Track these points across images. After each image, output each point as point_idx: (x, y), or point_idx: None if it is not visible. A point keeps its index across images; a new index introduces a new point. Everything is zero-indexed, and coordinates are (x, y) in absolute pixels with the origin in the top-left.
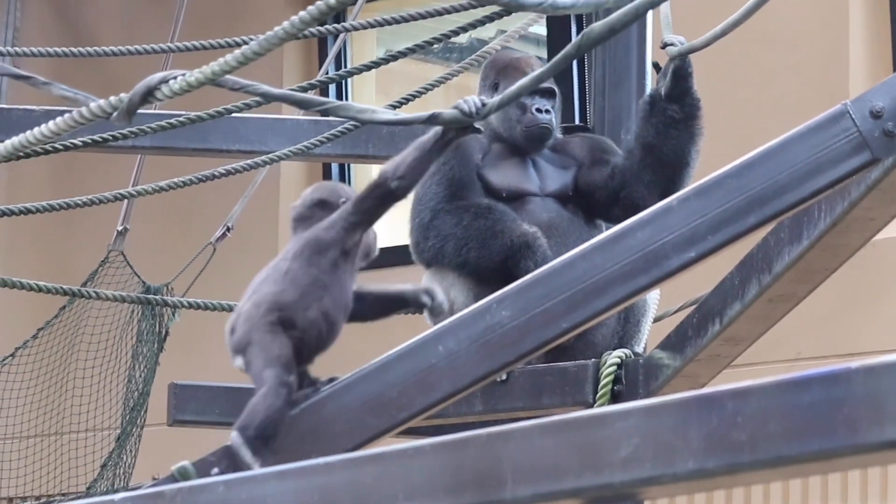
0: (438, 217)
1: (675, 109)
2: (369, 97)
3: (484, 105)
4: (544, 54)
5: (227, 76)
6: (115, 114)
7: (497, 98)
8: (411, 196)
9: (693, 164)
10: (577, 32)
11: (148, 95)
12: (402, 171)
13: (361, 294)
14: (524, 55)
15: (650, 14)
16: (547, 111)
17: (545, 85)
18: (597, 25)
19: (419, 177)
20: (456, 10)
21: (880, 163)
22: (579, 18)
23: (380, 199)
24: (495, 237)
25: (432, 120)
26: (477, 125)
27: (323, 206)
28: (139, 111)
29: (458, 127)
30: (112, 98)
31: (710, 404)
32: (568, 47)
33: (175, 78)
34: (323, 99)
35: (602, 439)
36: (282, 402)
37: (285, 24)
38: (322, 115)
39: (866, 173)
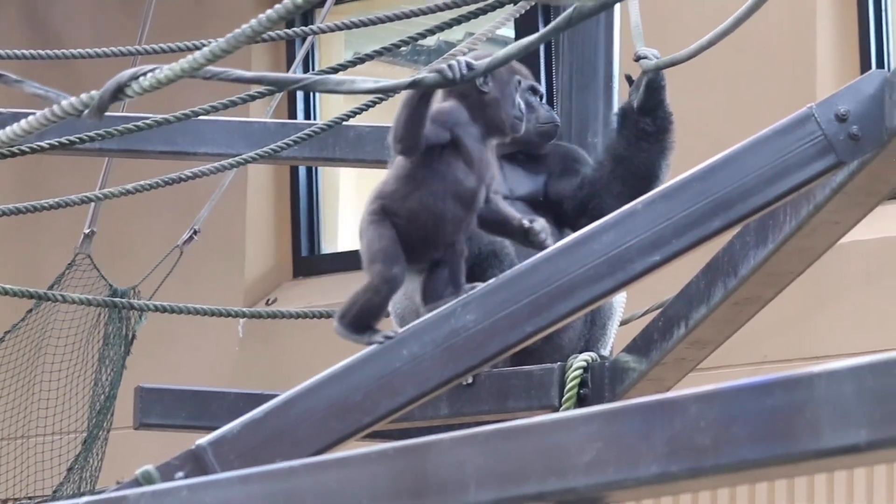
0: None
1: (648, 122)
2: (337, 100)
3: (471, 69)
4: None
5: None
6: (86, 111)
7: (485, 61)
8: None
9: (663, 178)
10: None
11: (118, 92)
12: (399, 134)
13: (488, 205)
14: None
15: (618, 18)
16: (549, 109)
17: (536, 84)
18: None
19: (414, 132)
20: (424, 12)
21: (845, 166)
22: (547, 22)
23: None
24: None
25: (415, 86)
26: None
27: None
28: (107, 113)
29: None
30: (83, 95)
31: (673, 409)
32: (559, 19)
33: (145, 74)
34: (299, 76)
35: (566, 444)
36: (380, 299)
37: (252, 21)
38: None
39: (831, 177)
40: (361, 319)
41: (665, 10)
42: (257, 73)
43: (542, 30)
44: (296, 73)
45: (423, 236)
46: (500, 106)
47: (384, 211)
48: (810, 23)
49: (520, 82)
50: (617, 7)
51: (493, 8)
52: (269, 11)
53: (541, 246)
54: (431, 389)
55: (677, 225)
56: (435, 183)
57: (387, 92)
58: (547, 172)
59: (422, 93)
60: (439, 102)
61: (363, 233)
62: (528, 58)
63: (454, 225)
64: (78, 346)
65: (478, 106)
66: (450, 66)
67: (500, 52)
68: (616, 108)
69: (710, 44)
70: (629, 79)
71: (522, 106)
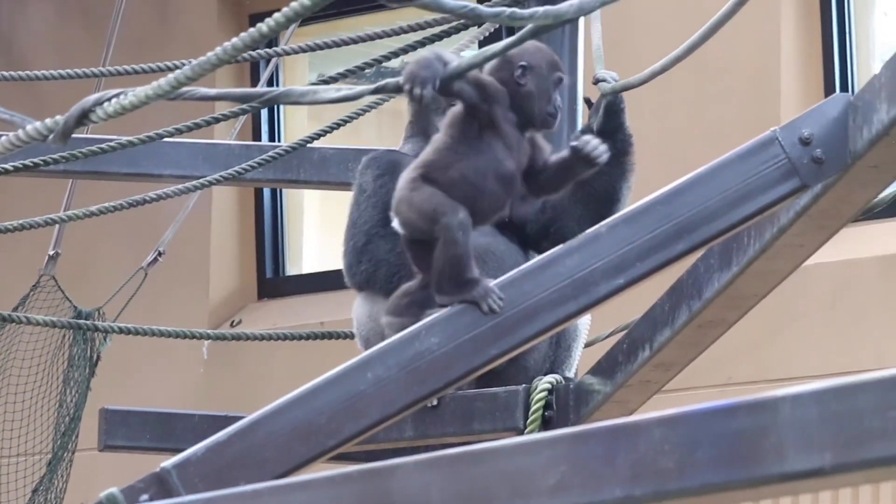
0: (373, 241)
1: (608, 145)
2: (301, 122)
3: (446, 64)
4: None
5: (187, 87)
6: (50, 136)
7: (466, 61)
8: (345, 219)
9: (624, 200)
10: None
11: (83, 117)
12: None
13: (545, 167)
14: None
15: (582, 42)
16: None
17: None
18: (563, 6)
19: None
20: (388, 34)
21: (809, 189)
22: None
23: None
24: None
25: (379, 90)
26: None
27: None
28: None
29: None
30: (48, 120)
31: (638, 432)
32: (523, 31)
33: (109, 100)
34: (263, 90)
35: (530, 467)
36: (462, 247)
37: (218, 49)
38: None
39: (795, 200)
40: (456, 276)
41: (627, 32)
42: (221, 90)
43: (507, 39)
44: None
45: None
46: (534, 100)
47: (424, 178)
48: (774, 46)
49: (560, 80)
50: (581, 30)
51: (457, 30)
52: (234, 40)
53: (596, 160)
54: (396, 412)
55: (641, 248)
56: (475, 158)
57: (350, 100)
58: None
59: None
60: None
61: (409, 202)
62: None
63: (491, 203)
64: (42, 367)
65: (515, 95)
66: (412, 91)
67: (473, 55)
68: None
69: (665, 69)
70: (588, 102)
71: (558, 102)
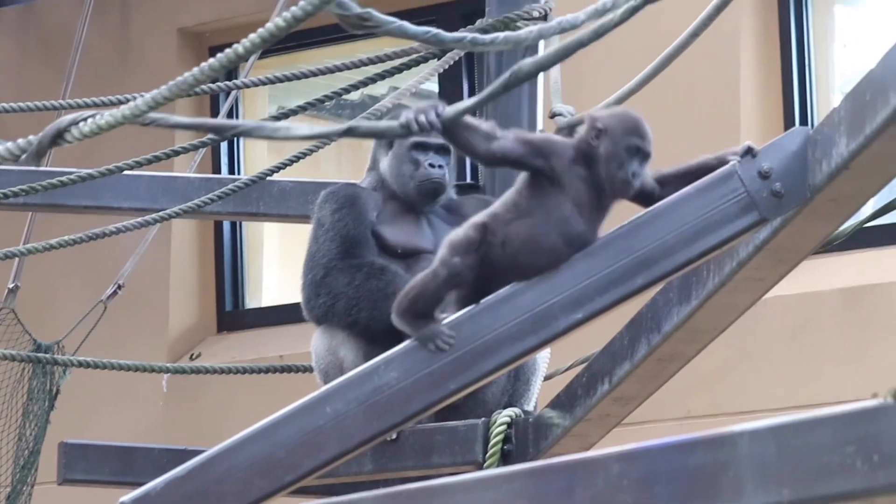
0: (331, 274)
1: None
2: (261, 154)
3: (439, 115)
4: None
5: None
6: (23, 156)
7: (464, 104)
8: (304, 252)
9: None
10: (469, 90)
11: (58, 137)
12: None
13: (664, 179)
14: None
15: (541, 76)
16: (440, 167)
17: (438, 141)
18: (526, 62)
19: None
20: (348, 67)
21: (768, 223)
22: (471, 77)
23: None
24: (386, 299)
25: (350, 132)
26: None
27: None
28: (30, 168)
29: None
30: (20, 140)
31: (596, 467)
32: (496, 84)
33: (85, 120)
34: (236, 122)
35: (489, 502)
36: (437, 283)
37: (178, 79)
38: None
39: (755, 234)
40: (417, 308)
41: (586, 67)
42: (196, 119)
43: (479, 95)
44: None
45: (513, 264)
46: (605, 162)
47: (485, 228)
48: (734, 79)
49: (636, 148)
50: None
51: (416, 63)
52: (194, 70)
53: None
54: (355, 446)
55: (601, 282)
56: (539, 215)
57: (322, 138)
58: None
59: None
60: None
61: (455, 233)
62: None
63: (550, 260)
64: (1, 401)
65: (590, 156)
66: (415, 119)
67: (461, 104)
68: None
69: (619, 101)
70: None
71: (635, 169)
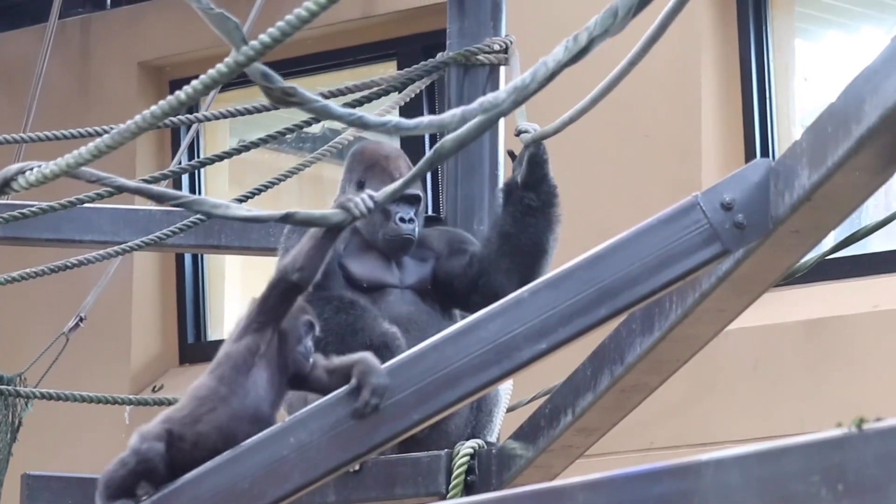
0: None
1: (532, 197)
2: (223, 187)
3: (374, 202)
4: (397, 141)
5: (84, 168)
6: None
7: (383, 192)
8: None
9: (551, 252)
10: None
11: (4, 186)
12: (300, 262)
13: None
14: (393, 154)
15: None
16: (411, 220)
17: (411, 191)
18: (447, 140)
19: (318, 265)
20: None
21: (731, 255)
22: (432, 111)
23: (282, 294)
24: (355, 334)
25: (286, 219)
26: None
27: None
28: None
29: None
30: None
31: (562, 497)
32: (421, 163)
33: (31, 169)
34: (178, 193)
35: None
36: (124, 471)
37: (137, 117)
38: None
39: (717, 265)
40: (107, 488)
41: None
42: (140, 185)
43: (408, 174)
44: (181, 160)
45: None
46: (286, 342)
47: (170, 434)
48: (695, 110)
49: (311, 325)
50: (502, 84)
51: (378, 95)
52: (153, 108)
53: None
54: (318, 477)
55: (563, 313)
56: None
57: (259, 222)
58: (434, 257)
59: (334, 228)
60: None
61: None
62: (414, 145)
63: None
64: None
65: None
66: (354, 204)
67: (393, 185)
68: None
69: (573, 119)
70: (511, 154)
71: (309, 344)
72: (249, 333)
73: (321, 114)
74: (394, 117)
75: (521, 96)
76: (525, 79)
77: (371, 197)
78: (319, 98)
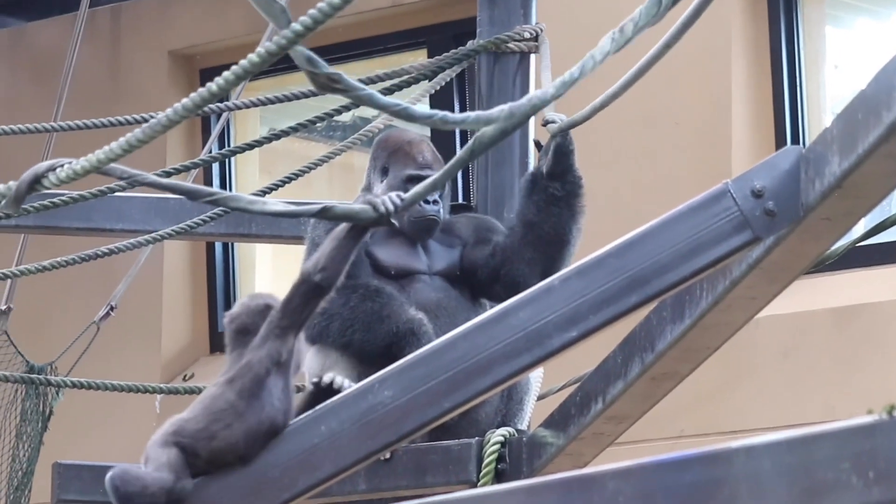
0: None
1: (557, 187)
2: (253, 176)
3: (402, 200)
4: (428, 130)
5: (113, 165)
6: (3, 202)
7: (411, 195)
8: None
9: (574, 242)
10: (460, 111)
11: (35, 183)
12: (322, 263)
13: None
14: (415, 139)
15: (532, 86)
16: (435, 202)
17: (432, 172)
18: (488, 130)
19: (341, 267)
20: None
21: (761, 242)
22: (462, 99)
23: (305, 295)
24: (381, 322)
25: (324, 212)
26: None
27: (267, 312)
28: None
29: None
30: (1, 186)
31: (592, 484)
32: (461, 153)
33: (62, 166)
34: (212, 190)
35: None
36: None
37: (168, 111)
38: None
39: (748, 252)
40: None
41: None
42: (172, 182)
43: (445, 167)
44: (211, 149)
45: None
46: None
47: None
48: (725, 98)
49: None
50: (531, 82)
51: (408, 84)
52: (184, 100)
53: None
54: (349, 465)
55: (594, 301)
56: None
57: (295, 216)
58: (462, 244)
59: (357, 228)
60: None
61: None
62: (444, 135)
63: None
64: None
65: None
66: (382, 201)
67: (420, 186)
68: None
69: (604, 105)
70: (538, 144)
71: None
72: (271, 340)
73: (366, 102)
74: (440, 111)
75: (563, 89)
76: (573, 73)
77: (399, 196)
78: (364, 87)
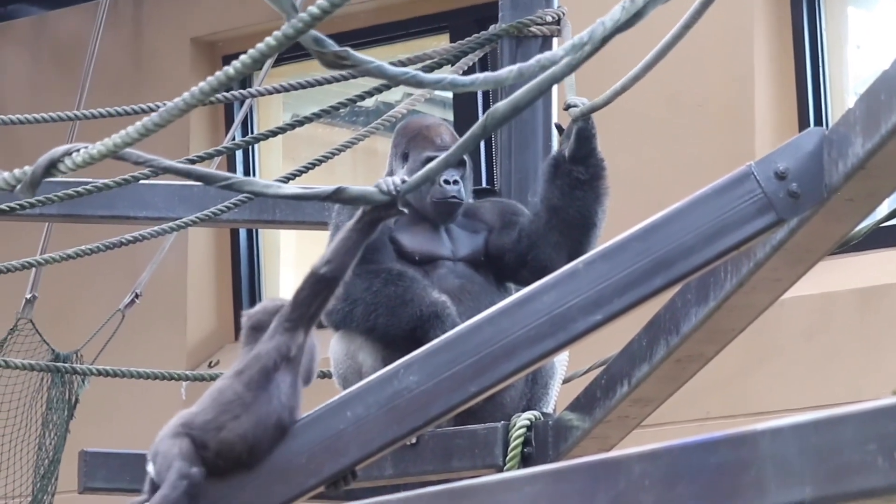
0: (349, 280)
1: (580, 171)
2: (276, 162)
3: (404, 182)
4: (451, 116)
5: (129, 150)
6: (18, 186)
7: (417, 176)
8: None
9: (599, 225)
10: (483, 95)
11: (51, 168)
12: (328, 255)
13: None
14: (434, 122)
15: None
16: (456, 182)
17: None
18: (501, 105)
19: (348, 259)
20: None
21: (785, 224)
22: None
23: (312, 287)
24: (405, 305)
25: (337, 194)
26: (401, 206)
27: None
28: (46, 179)
29: (379, 206)
30: (16, 171)
31: (618, 467)
32: (474, 128)
33: (78, 150)
34: (227, 174)
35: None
36: (178, 494)
37: (185, 94)
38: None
39: (772, 234)
40: None
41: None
42: (187, 167)
43: (459, 142)
44: (234, 137)
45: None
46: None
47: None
48: (748, 80)
49: None
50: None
51: (431, 69)
52: (202, 83)
53: None
54: (375, 451)
55: (618, 284)
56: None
57: (310, 199)
58: (487, 229)
59: (369, 220)
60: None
61: None
62: (467, 118)
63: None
64: (21, 410)
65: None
66: (384, 181)
67: (422, 171)
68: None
69: (625, 88)
70: (559, 128)
71: None
72: (280, 333)
73: (375, 74)
74: (448, 75)
75: (578, 57)
76: (582, 37)
77: (403, 178)
78: (373, 59)
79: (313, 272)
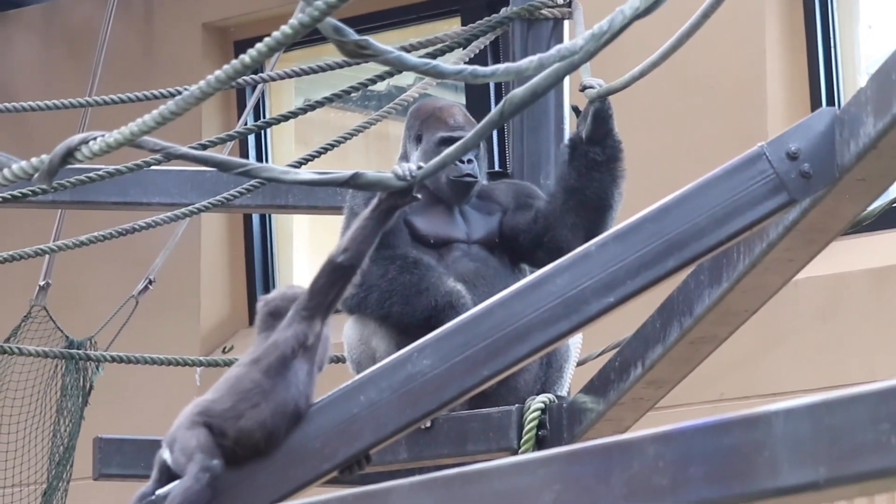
0: (364, 266)
1: (597, 152)
2: (288, 147)
3: (420, 168)
4: (463, 100)
5: (145, 137)
6: (35, 175)
7: (434, 162)
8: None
9: (616, 206)
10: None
11: (68, 156)
12: (345, 244)
13: None
14: (447, 104)
15: None
16: (470, 161)
17: (466, 135)
18: (518, 91)
19: (364, 247)
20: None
21: (797, 204)
22: (497, 64)
23: (329, 275)
24: (420, 294)
25: (354, 179)
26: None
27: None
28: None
29: (394, 192)
30: (33, 160)
31: (632, 449)
32: (491, 114)
33: (95, 139)
34: (244, 161)
35: (525, 487)
36: (201, 486)
37: (202, 83)
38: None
39: (784, 215)
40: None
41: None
42: (203, 154)
43: (475, 129)
44: (247, 121)
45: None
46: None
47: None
48: (760, 61)
49: None
50: (566, 40)
51: (442, 52)
52: (217, 72)
53: None
54: (390, 435)
55: (631, 266)
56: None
57: (327, 185)
58: (502, 211)
59: (385, 207)
60: None
61: None
62: (479, 101)
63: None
64: (35, 397)
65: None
66: (400, 166)
67: (438, 158)
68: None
69: (643, 73)
70: (576, 110)
71: None
72: (298, 321)
73: (395, 65)
74: (470, 66)
75: (597, 45)
76: (602, 26)
77: (420, 166)
78: (393, 49)
79: (330, 261)
